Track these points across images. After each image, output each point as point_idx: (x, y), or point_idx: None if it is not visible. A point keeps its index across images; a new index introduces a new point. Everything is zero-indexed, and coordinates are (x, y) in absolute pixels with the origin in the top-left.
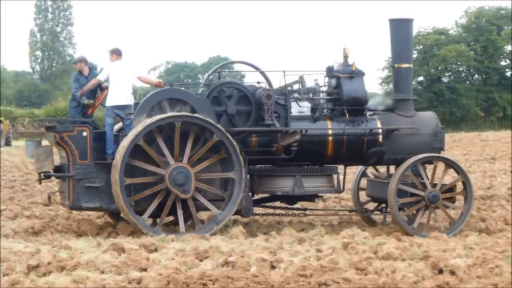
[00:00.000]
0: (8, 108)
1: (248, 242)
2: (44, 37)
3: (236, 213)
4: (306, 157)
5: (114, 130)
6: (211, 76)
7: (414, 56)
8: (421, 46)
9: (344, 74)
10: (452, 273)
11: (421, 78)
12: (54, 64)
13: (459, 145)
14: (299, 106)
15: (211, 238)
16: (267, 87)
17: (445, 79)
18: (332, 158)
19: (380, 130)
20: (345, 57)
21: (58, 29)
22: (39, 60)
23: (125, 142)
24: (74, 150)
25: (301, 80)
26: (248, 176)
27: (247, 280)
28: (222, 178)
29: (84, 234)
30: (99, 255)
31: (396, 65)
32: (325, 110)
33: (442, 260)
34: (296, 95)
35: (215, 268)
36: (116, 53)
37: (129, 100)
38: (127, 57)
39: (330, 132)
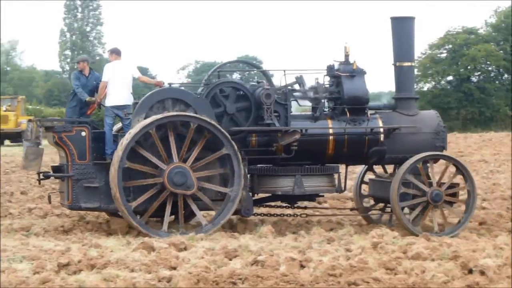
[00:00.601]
0: (38, 107)
1: (277, 241)
2: (74, 36)
3: (237, 212)
4: (307, 156)
5: (114, 130)
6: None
7: (443, 55)
8: (450, 46)
9: (345, 73)
10: (482, 273)
11: (450, 78)
12: None
13: (489, 145)
14: (299, 105)
15: (240, 237)
16: (266, 86)
17: (474, 79)
18: (333, 158)
19: (381, 129)
20: (346, 55)
21: (88, 29)
22: (68, 60)
23: (120, 147)
24: (73, 150)
25: (300, 80)
26: (248, 175)
27: (277, 279)
28: (221, 177)
29: (113, 232)
30: (128, 254)
31: (397, 64)
32: (326, 109)
33: (472, 260)
34: (297, 94)
35: (245, 267)
36: (115, 53)
37: (128, 100)
38: (126, 57)
39: (330, 131)
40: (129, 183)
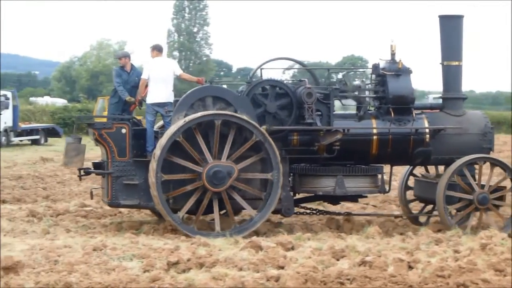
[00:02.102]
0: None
1: (384, 242)
2: (181, 37)
3: (277, 212)
4: (350, 156)
5: (155, 128)
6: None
7: None
8: None
9: (390, 72)
10: None
11: None
12: (191, 64)
13: None
14: (343, 105)
15: (347, 237)
16: (308, 85)
17: None
18: (377, 158)
19: (426, 130)
20: (392, 54)
21: (195, 29)
22: (176, 60)
23: (162, 140)
24: (113, 147)
25: (344, 79)
26: (290, 175)
27: (385, 280)
28: (262, 178)
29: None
30: (237, 253)
31: (445, 63)
32: (371, 109)
33: None
34: (340, 93)
35: (352, 267)
36: (157, 49)
37: (169, 97)
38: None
39: (374, 131)
40: (168, 176)
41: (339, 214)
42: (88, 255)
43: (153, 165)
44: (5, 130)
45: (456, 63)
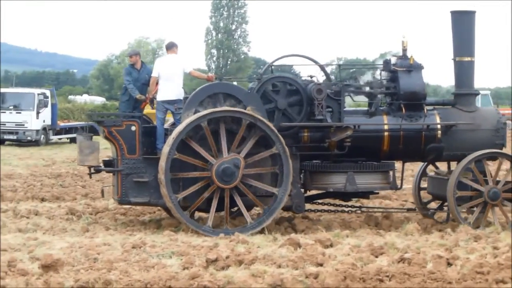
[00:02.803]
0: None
1: (423, 239)
2: (219, 35)
3: (288, 209)
4: (361, 152)
5: (166, 125)
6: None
7: None
8: None
9: (402, 68)
10: None
11: None
12: (229, 62)
13: None
14: (353, 101)
15: (386, 234)
16: (318, 81)
17: None
18: (388, 154)
19: (438, 126)
20: (404, 50)
21: (233, 27)
22: (214, 58)
23: (169, 140)
24: (123, 144)
25: (356, 76)
26: (301, 172)
27: (424, 277)
28: (272, 175)
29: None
30: (275, 250)
31: (457, 59)
32: (383, 105)
33: None
34: (352, 89)
35: (391, 264)
36: (173, 47)
37: (178, 94)
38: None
39: (385, 127)
40: (178, 174)
41: (352, 207)
42: (128, 252)
43: (161, 163)
44: (44, 129)
45: (469, 59)
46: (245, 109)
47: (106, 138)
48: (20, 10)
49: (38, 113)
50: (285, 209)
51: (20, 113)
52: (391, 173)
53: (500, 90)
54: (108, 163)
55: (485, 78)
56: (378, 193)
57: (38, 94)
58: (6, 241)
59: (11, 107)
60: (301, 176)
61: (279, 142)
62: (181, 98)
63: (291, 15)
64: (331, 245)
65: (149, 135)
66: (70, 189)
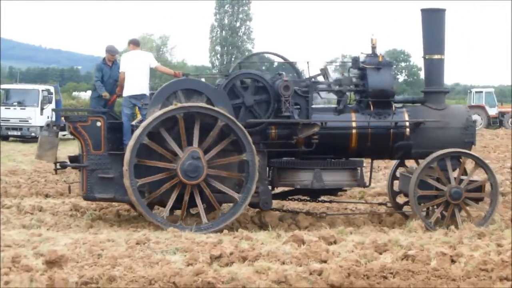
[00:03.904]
0: None
1: (426, 236)
2: (224, 32)
3: (255, 206)
4: (329, 150)
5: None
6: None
7: None
8: None
9: (371, 65)
10: None
11: None
12: (233, 59)
13: None
14: (321, 98)
15: (390, 231)
16: (285, 78)
17: None
18: (356, 151)
19: (407, 123)
20: (373, 47)
21: (237, 24)
22: (218, 55)
23: (131, 142)
24: (88, 140)
25: (324, 72)
26: (268, 168)
27: (428, 274)
28: (240, 165)
29: (264, 225)
30: (279, 246)
31: (427, 56)
32: (352, 102)
33: None
34: (321, 86)
35: (395, 261)
36: (133, 43)
37: (144, 89)
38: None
39: (354, 124)
40: (144, 161)
41: (322, 201)
42: (132, 249)
43: (126, 154)
44: (48, 125)
45: (438, 56)
46: (213, 106)
47: (71, 133)
48: (25, 7)
49: (42, 109)
50: (252, 206)
51: (24, 109)
52: (359, 170)
53: (504, 88)
54: (74, 159)
55: (489, 76)
56: (346, 190)
57: (42, 90)
58: (11, 237)
59: (15, 103)
60: (269, 173)
61: (250, 150)
62: (147, 93)
63: (295, 12)
64: (335, 242)
65: (116, 131)
66: (74, 185)
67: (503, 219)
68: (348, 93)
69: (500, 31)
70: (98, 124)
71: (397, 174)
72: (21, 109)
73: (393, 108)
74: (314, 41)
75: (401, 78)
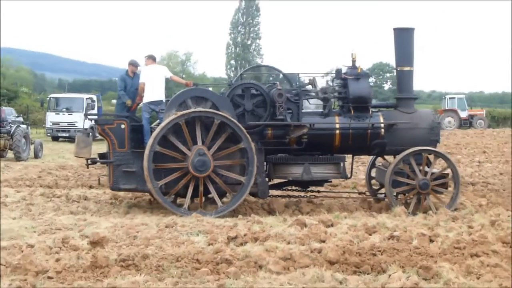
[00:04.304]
0: None
1: (409, 219)
2: (237, 49)
3: (254, 195)
4: (317, 147)
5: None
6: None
7: None
8: None
9: (351, 76)
10: None
11: None
12: None
13: None
14: (310, 104)
15: (378, 216)
16: (279, 87)
17: None
18: (340, 149)
19: (382, 125)
20: (353, 61)
21: (248, 42)
22: (233, 68)
23: (153, 135)
24: (114, 140)
25: (313, 82)
26: (265, 163)
27: (410, 251)
28: (241, 167)
29: (272, 211)
30: (285, 229)
31: (399, 68)
32: (335, 107)
33: None
34: (309, 93)
35: (383, 241)
36: (151, 59)
37: (161, 96)
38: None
39: (337, 126)
40: (160, 165)
41: (311, 191)
42: (162, 231)
43: (146, 152)
44: (91, 127)
45: (408, 68)
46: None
47: (100, 134)
48: (74, 27)
49: (86, 115)
50: (252, 195)
51: (71, 114)
52: (342, 164)
53: (473, 94)
54: (102, 156)
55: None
56: (331, 181)
57: (86, 98)
58: (61, 221)
59: (64, 110)
60: (266, 167)
61: (245, 138)
62: (164, 100)
63: (298, 31)
64: (332, 225)
65: (137, 132)
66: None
67: (473, 205)
68: (332, 100)
69: (472, 45)
70: (122, 126)
71: (376, 164)
72: (68, 114)
73: (370, 112)
74: (311, 55)
75: (386, 86)
